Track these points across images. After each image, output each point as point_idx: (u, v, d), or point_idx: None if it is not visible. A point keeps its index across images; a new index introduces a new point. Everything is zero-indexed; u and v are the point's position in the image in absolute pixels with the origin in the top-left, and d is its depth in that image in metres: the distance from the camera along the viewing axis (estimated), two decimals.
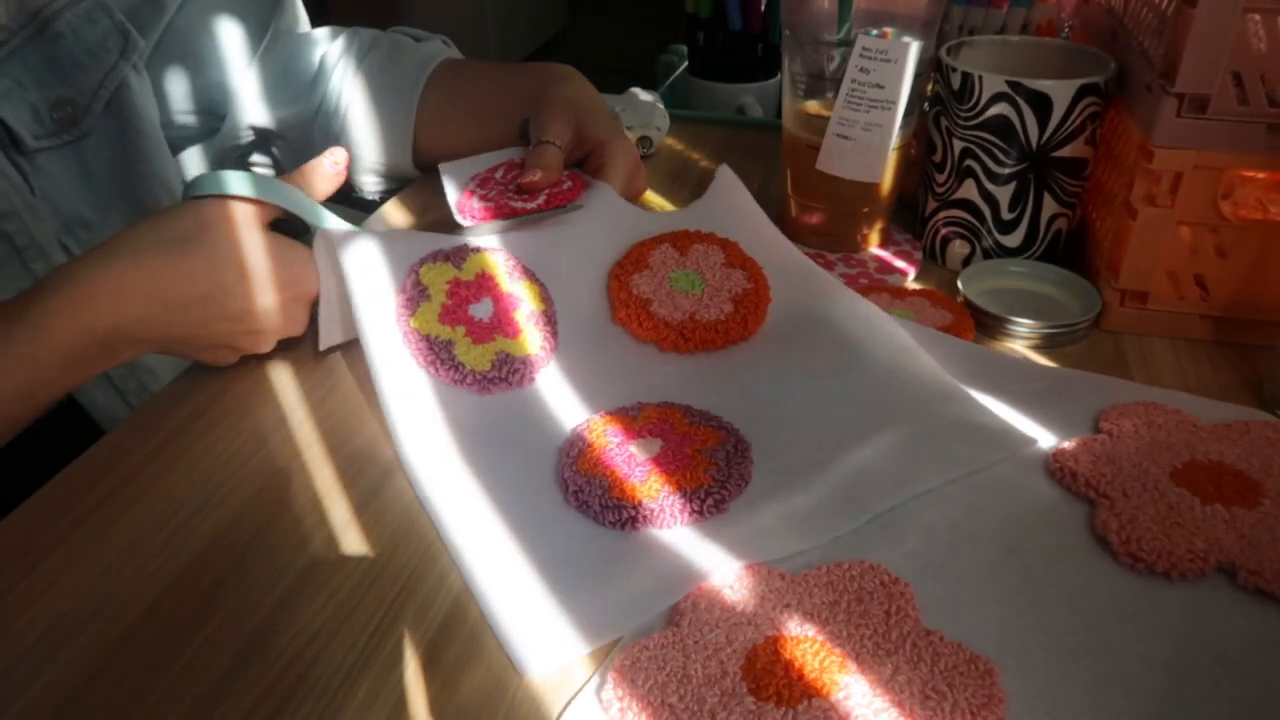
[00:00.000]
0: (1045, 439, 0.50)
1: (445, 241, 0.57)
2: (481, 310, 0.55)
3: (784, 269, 0.61)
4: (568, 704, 0.37)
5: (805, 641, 0.38)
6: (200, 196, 0.52)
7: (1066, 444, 0.49)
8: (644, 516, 0.45)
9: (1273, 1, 0.51)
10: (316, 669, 0.39)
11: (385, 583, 0.43)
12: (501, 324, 0.55)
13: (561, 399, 0.53)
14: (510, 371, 0.53)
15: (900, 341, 0.55)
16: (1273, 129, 0.53)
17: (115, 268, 0.49)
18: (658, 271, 0.59)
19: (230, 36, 0.72)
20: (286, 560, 0.44)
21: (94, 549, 0.45)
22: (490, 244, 0.57)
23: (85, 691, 0.38)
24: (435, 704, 0.38)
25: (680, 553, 0.43)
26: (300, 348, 0.59)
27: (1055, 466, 0.47)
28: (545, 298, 0.57)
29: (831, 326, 0.57)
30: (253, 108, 0.73)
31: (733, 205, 0.65)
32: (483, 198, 0.63)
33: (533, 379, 0.54)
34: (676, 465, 0.47)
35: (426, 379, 0.52)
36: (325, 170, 0.56)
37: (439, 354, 0.52)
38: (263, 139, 0.76)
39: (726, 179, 0.67)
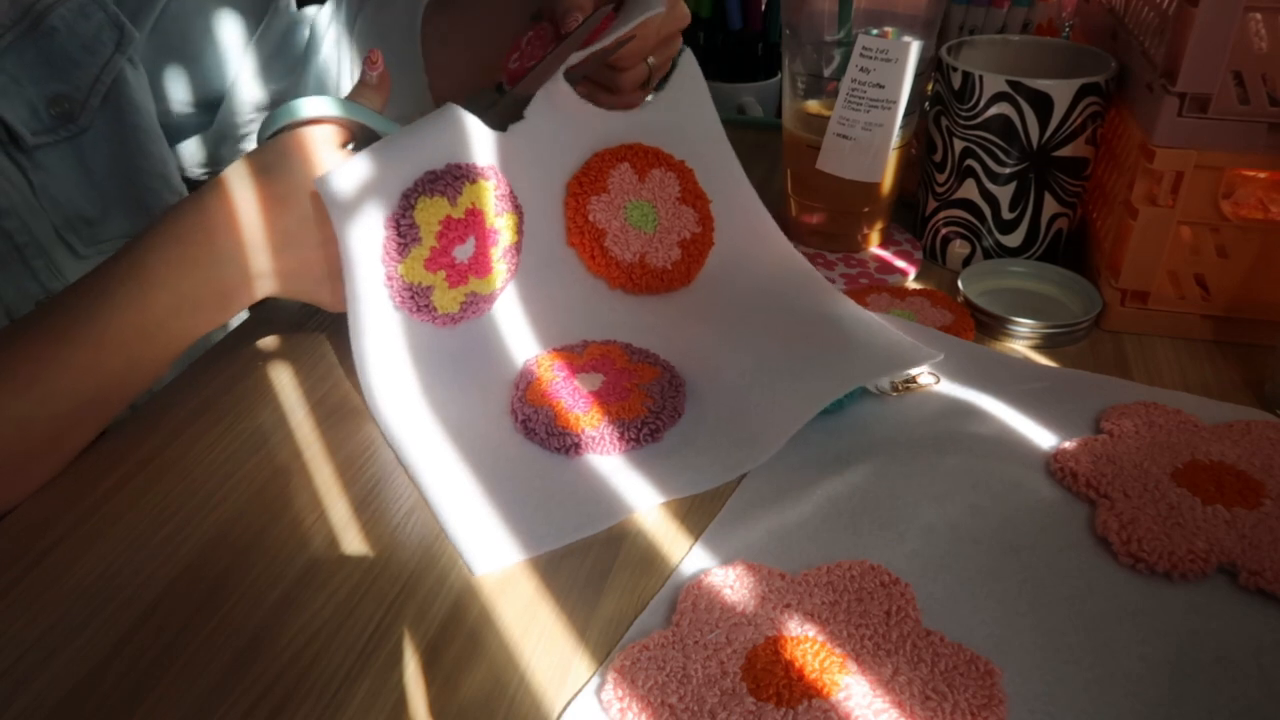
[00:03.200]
0: (1046, 439, 0.50)
1: (437, 157, 0.54)
2: (463, 252, 0.55)
3: (729, 206, 0.64)
4: (568, 704, 0.37)
5: (805, 641, 0.38)
6: (276, 132, 0.53)
7: (1067, 444, 0.49)
8: (585, 443, 0.49)
9: (1274, 1, 0.51)
10: (316, 669, 0.39)
11: (385, 583, 0.43)
12: (477, 265, 0.56)
13: (515, 331, 0.58)
14: (472, 308, 0.56)
15: (822, 284, 0.60)
16: (1274, 128, 0.53)
17: (212, 203, 0.50)
18: (615, 198, 0.61)
19: (225, 23, 0.71)
20: (286, 560, 0.44)
21: (94, 549, 0.45)
22: (483, 161, 0.56)
23: (85, 691, 0.38)
24: (435, 704, 0.38)
25: (617, 477, 0.48)
26: (301, 347, 0.59)
27: (1056, 467, 0.47)
28: (519, 229, 0.58)
29: (762, 270, 0.62)
30: (250, 90, 0.73)
31: (693, 107, 0.65)
32: (518, 56, 0.62)
33: (489, 308, 0.57)
34: (616, 398, 0.52)
35: (396, 315, 0.54)
36: (370, 81, 0.55)
37: (417, 299, 0.54)
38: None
39: (688, 69, 0.65)
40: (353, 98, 0.55)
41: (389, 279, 0.53)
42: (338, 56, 0.72)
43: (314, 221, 0.52)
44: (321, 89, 0.72)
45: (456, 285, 0.55)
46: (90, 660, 0.39)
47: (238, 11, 0.71)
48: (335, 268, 0.53)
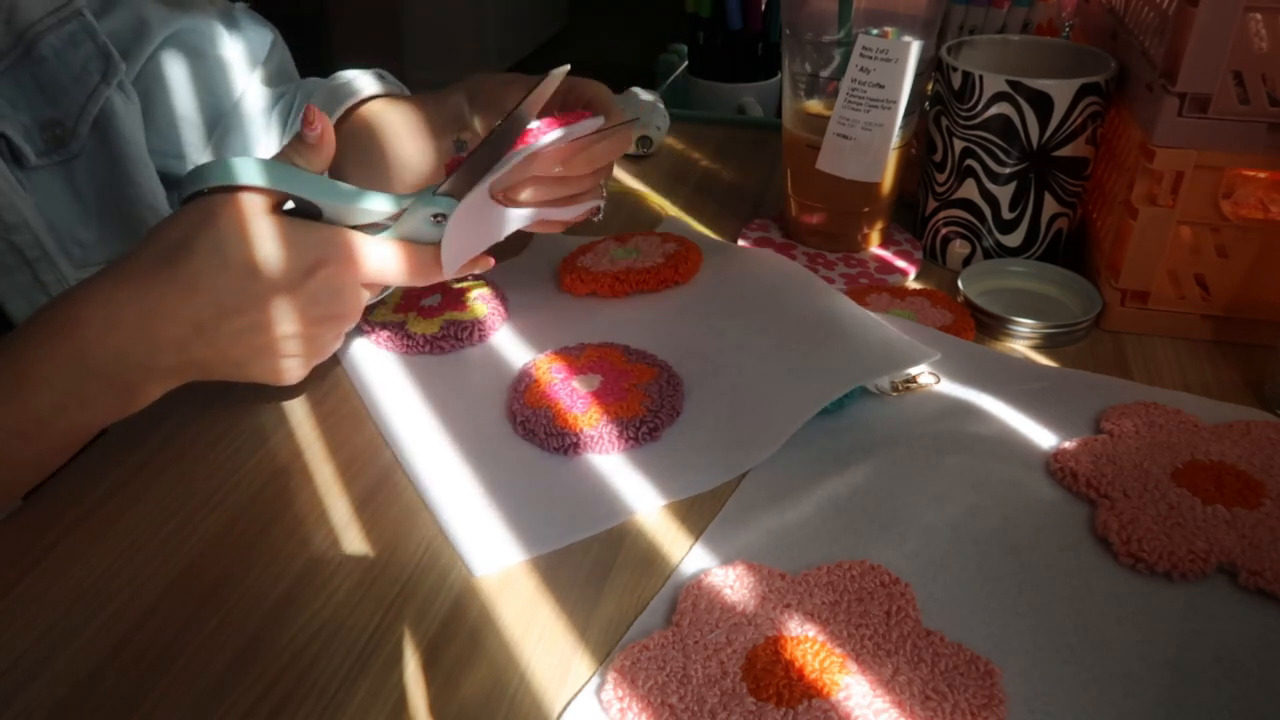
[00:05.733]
0: (1046, 439, 0.50)
1: None
2: (430, 300, 0.61)
3: (721, 248, 0.68)
4: (568, 704, 0.37)
5: (805, 642, 0.38)
6: (195, 195, 0.48)
7: (1067, 444, 0.49)
8: (584, 443, 0.49)
9: (1274, 1, 0.51)
10: (316, 669, 0.39)
11: (385, 583, 0.43)
12: (449, 305, 0.61)
13: (512, 348, 0.59)
14: (460, 329, 0.58)
15: (820, 285, 0.61)
16: (1274, 128, 0.53)
17: (104, 291, 0.45)
18: (601, 254, 0.66)
19: (191, 93, 0.70)
20: (286, 560, 0.44)
21: (94, 549, 0.45)
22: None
23: (85, 691, 0.38)
24: (435, 704, 0.38)
25: (617, 477, 0.48)
26: None
27: (1056, 467, 0.47)
28: (494, 287, 0.63)
29: (760, 270, 0.64)
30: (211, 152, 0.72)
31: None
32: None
33: (485, 338, 0.59)
34: (614, 398, 0.52)
35: (387, 355, 0.58)
36: (308, 141, 0.49)
37: (393, 332, 0.58)
38: None
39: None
40: (288, 157, 0.49)
41: (367, 331, 0.58)
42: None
43: (231, 308, 0.46)
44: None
45: (430, 317, 0.59)
46: (90, 660, 0.39)
47: (210, 81, 0.70)
48: (264, 351, 0.49)
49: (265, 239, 0.46)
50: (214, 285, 0.46)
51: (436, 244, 0.51)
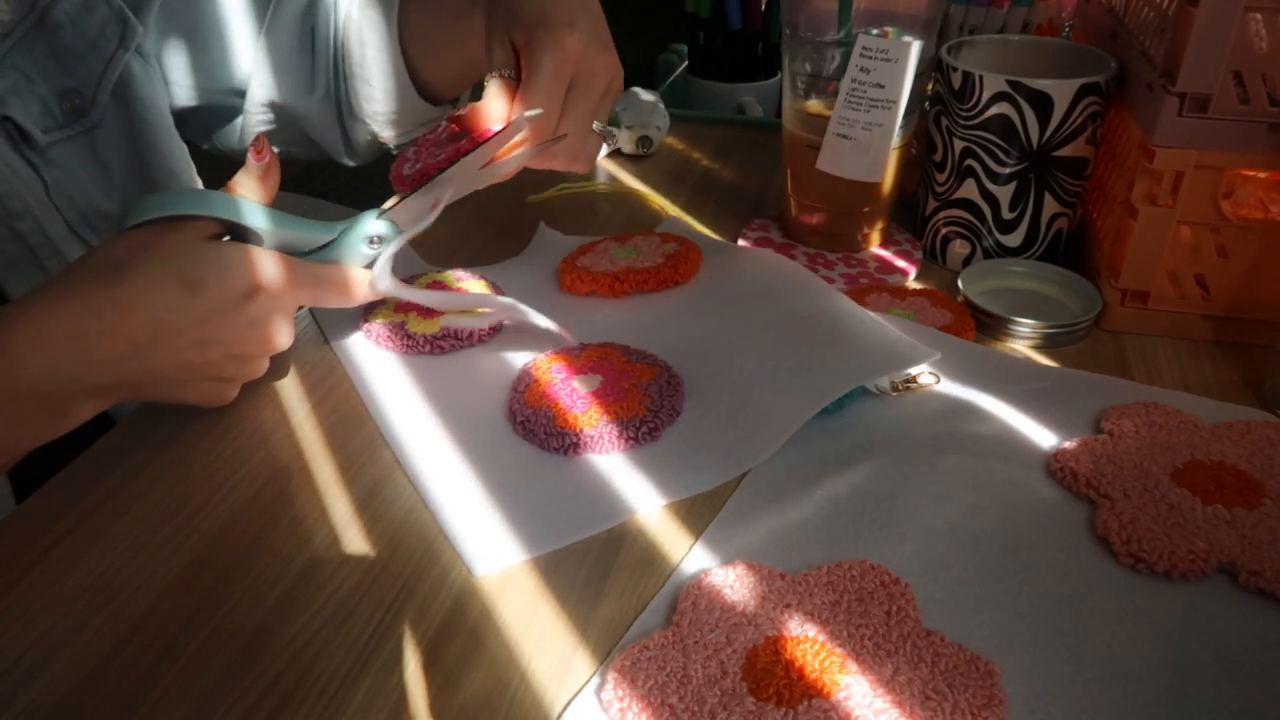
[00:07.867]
0: (1046, 439, 0.50)
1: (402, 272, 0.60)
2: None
3: (721, 248, 0.68)
4: (568, 704, 0.37)
5: (806, 642, 0.38)
6: (136, 226, 0.48)
7: (1067, 444, 0.49)
8: (584, 442, 0.49)
9: (1274, 1, 0.51)
10: (316, 669, 0.39)
11: (385, 583, 0.43)
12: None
13: (512, 349, 0.59)
14: (460, 329, 0.58)
15: (820, 284, 0.61)
16: (1274, 128, 0.53)
17: (40, 308, 0.45)
18: (601, 254, 0.66)
19: (232, 9, 0.69)
20: (287, 559, 0.44)
21: (94, 548, 0.45)
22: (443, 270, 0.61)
23: (85, 691, 0.38)
24: (435, 704, 0.38)
25: (617, 476, 0.48)
26: (300, 347, 0.59)
27: (1056, 467, 0.47)
28: (494, 286, 0.63)
29: (760, 270, 0.64)
30: (263, 85, 0.70)
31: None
32: (413, 162, 0.58)
33: (484, 339, 0.59)
34: (614, 398, 0.52)
35: (387, 355, 0.58)
36: (253, 171, 0.51)
37: (394, 332, 0.58)
38: (286, 120, 0.73)
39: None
40: (233, 187, 0.50)
41: (367, 331, 0.59)
42: (334, 52, 0.70)
43: (169, 328, 0.46)
44: (328, 85, 0.71)
45: (430, 317, 0.59)
46: (90, 660, 0.39)
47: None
48: (199, 372, 0.49)
49: (205, 261, 0.47)
50: (152, 304, 0.46)
51: (368, 264, 0.53)
